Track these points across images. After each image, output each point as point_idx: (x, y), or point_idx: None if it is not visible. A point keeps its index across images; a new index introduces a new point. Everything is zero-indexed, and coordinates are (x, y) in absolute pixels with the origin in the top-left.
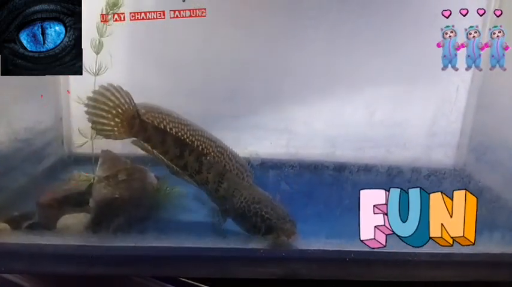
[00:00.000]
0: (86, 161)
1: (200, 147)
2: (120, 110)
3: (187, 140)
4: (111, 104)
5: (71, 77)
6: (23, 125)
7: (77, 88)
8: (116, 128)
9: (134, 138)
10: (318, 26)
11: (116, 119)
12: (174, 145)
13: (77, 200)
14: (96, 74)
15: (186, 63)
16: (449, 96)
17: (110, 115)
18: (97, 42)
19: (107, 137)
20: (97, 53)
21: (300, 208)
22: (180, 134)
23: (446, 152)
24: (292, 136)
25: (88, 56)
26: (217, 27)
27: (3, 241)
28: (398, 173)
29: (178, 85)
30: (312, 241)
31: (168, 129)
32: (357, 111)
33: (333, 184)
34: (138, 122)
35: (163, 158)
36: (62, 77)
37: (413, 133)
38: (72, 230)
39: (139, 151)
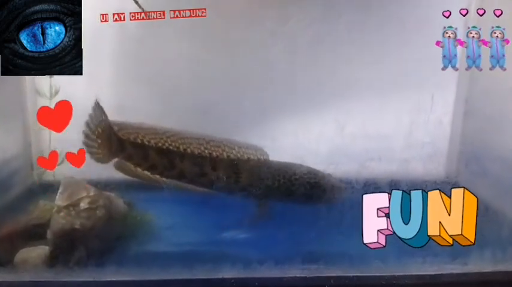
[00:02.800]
0: (56, 190)
1: (189, 149)
2: (100, 129)
3: (171, 147)
4: (92, 126)
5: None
6: None
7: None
8: (100, 150)
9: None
10: (278, 37)
11: (98, 140)
12: (159, 157)
13: (37, 232)
14: (51, 97)
15: (159, 81)
16: (425, 106)
17: (94, 136)
18: None
19: (99, 161)
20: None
21: (272, 230)
22: (160, 143)
23: (425, 163)
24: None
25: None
26: (184, 46)
27: None
28: (376, 188)
29: (151, 103)
30: (287, 267)
31: (147, 143)
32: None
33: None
34: (115, 140)
35: (150, 175)
36: (29, 102)
37: (388, 146)
38: (29, 264)
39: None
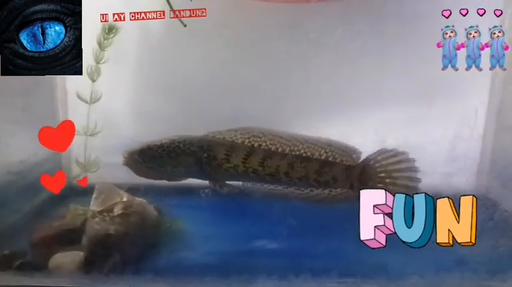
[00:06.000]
0: (87, 193)
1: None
2: None
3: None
4: None
5: (70, 106)
6: (17, 157)
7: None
8: None
9: None
10: (322, 48)
11: None
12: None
13: (71, 237)
14: (92, 102)
15: (183, 87)
16: (468, 120)
17: None
18: (93, 68)
19: None
20: (93, 80)
21: (309, 242)
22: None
23: (467, 178)
24: None
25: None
26: (216, 51)
27: None
28: None
29: (175, 108)
30: (323, 279)
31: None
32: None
33: (348, 218)
34: None
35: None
36: (60, 107)
37: (431, 159)
38: (64, 270)
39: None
